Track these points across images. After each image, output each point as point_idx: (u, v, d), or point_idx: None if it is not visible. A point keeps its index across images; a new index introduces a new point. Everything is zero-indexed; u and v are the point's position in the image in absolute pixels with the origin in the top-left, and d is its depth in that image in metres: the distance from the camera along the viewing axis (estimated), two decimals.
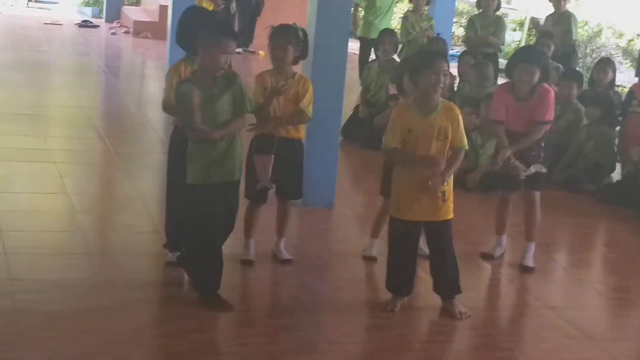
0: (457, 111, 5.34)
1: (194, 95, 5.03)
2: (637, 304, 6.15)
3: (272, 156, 5.72)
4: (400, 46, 10.76)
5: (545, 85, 6.27)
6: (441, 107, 5.30)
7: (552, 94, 6.29)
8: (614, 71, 9.85)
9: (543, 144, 6.26)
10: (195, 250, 5.28)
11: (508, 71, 6.29)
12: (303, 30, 5.84)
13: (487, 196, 7.36)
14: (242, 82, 5.20)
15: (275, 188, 5.93)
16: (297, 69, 6.00)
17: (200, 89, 5.06)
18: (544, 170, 6.26)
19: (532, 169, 6.21)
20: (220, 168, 5.17)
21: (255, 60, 14.60)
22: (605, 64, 9.94)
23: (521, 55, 6.42)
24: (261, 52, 14.25)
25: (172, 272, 5.60)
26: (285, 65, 5.78)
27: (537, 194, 6.39)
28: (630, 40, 17.86)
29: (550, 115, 6.26)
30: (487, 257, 6.50)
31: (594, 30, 17.11)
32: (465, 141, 5.36)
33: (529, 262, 6.41)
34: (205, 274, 5.26)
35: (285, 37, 5.74)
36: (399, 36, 10.88)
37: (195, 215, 5.17)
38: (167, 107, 5.56)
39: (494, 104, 6.40)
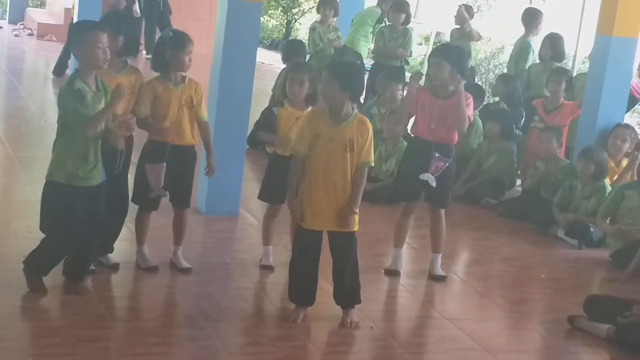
0: (369, 126, 5.38)
1: (87, 93, 5.12)
2: (533, 317, 6.28)
3: (165, 164, 5.72)
4: (308, 57, 10.80)
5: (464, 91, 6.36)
6: (353, 118, 5.36)
7: (471, 98, 6.40)
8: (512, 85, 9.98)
9: (450, 159, 6.33)
10: (49, 240, 5.36)
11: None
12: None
13: (389, 208, 7.43)
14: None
15: (169, 196, 5.94)
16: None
17: (89, 87, 5.20)
18: (432, 183, 6.32)
19: (424, 176, 6.29)
20: (88, 170, 5.25)
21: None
22: (505, 78, 10.13)
23: (434, 49, 6.60)
24: None
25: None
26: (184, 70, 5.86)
27: (442, 211, 6.51)
28: None
29: (470, 116, 6.36)
30: (393, 273, 6.54)
31: (497, 47, 17.48)
32: (372, 157, 5.42)
33: (439, 271, 6.54)
34: (43, 258, 5.33)
35: (191, 43, 5.81)
36: (307, 47, 10.91)
37: (59, 214, 5.26)
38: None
39: (409, 99, 6.49)
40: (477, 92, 9.57)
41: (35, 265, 5.34)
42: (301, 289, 5.49)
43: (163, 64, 5.80)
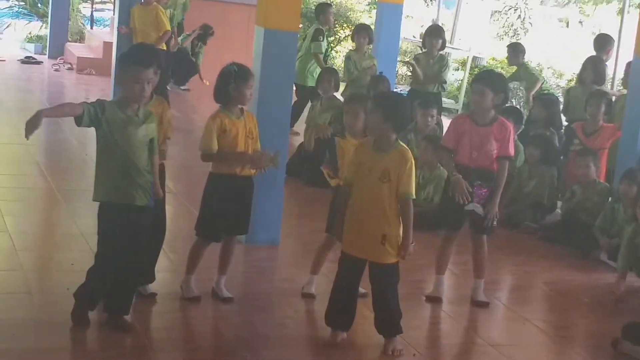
0: (409, 157, 5.31)
1: (114, 112, 5.16)
2: (577, 341, 6.22)
3: None
4: (344, 85, 10.84)
5: (503, 119, 6.36)
6: (394, 149, 5.34)
7: (511, 128, 6.38)
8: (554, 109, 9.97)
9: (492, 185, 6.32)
10: (101, 272, 5.33)
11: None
12: None
13: (430, 234, 7.39)
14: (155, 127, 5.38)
15: (226, 226, 5.97)
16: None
17: (122, 111, 5.23)
18: (478, 211, 6.30)
19: (470, 206, 6.27)
20: (128, 184, 5.24)
21: (193, 99, 14.60)
22: (545, 102, 10.08)
23: (477, 75, 6.63)
24: (206, 82, 14.28)
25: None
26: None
27: (484, 237, 6.48)
28: (569, 80, 18.25)
29: (512, 149, 6.35)
30: (434, 299, 6.51)
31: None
32: (412, 189, 5.32)
33: (481, 297, 6.52)
34: (112, 296, 5.35)
35: (253, 77, 5.91)
36: (341, 75, 10.94)
37: (104, 234, 5.28)
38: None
39: (448, 130, 6.50)
40: (516, 116, 9.55)
41: (82, 296, 5.34)
42: (337, 312, 5.50)
43: (226, 96, 5.87)
